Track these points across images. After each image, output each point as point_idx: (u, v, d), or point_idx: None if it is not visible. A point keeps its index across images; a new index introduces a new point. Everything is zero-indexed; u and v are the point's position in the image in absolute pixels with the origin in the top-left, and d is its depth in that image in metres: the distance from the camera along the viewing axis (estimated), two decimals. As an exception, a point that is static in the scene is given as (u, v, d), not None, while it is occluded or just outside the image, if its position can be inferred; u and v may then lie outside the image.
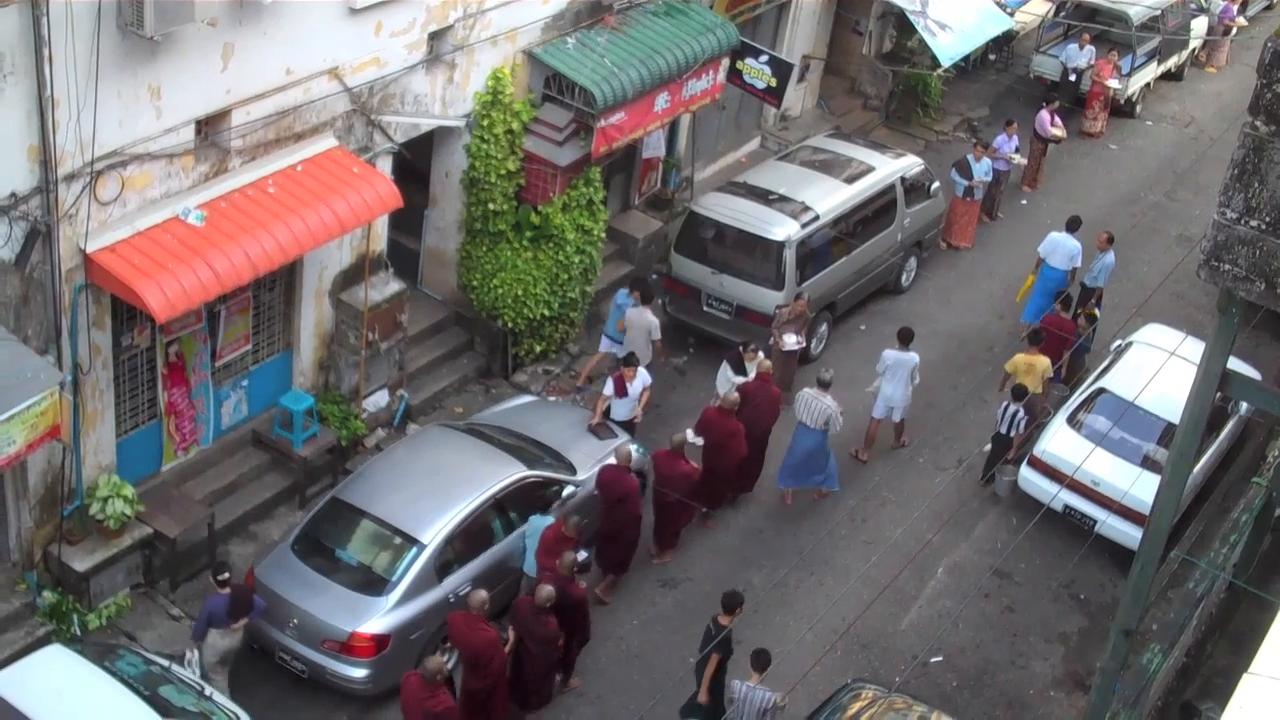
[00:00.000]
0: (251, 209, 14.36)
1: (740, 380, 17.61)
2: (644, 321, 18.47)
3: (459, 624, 13.64)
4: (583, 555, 14.65)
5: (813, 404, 17.25)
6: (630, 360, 17.53)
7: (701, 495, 16.65)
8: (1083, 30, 27.72)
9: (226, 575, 13.77)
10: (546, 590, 13.83)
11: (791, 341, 18.85)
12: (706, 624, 14.39)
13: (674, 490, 16.22)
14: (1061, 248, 21.00)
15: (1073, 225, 21.29)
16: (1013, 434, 17.95)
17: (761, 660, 13.58)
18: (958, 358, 20.90)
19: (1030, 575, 17.35)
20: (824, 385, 17.43)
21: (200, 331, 15.35)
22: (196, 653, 13.85)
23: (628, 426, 17.46)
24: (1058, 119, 25.22)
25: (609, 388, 17.46)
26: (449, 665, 13.53)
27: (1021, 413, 17.80)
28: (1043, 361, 18.31)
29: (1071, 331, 19.33)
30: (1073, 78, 27.26)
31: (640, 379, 17.48)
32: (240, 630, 14.10)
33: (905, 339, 18.63)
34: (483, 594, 13.70)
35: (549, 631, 13.97)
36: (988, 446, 18.57)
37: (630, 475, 15.77)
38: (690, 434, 16.66)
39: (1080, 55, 27.53)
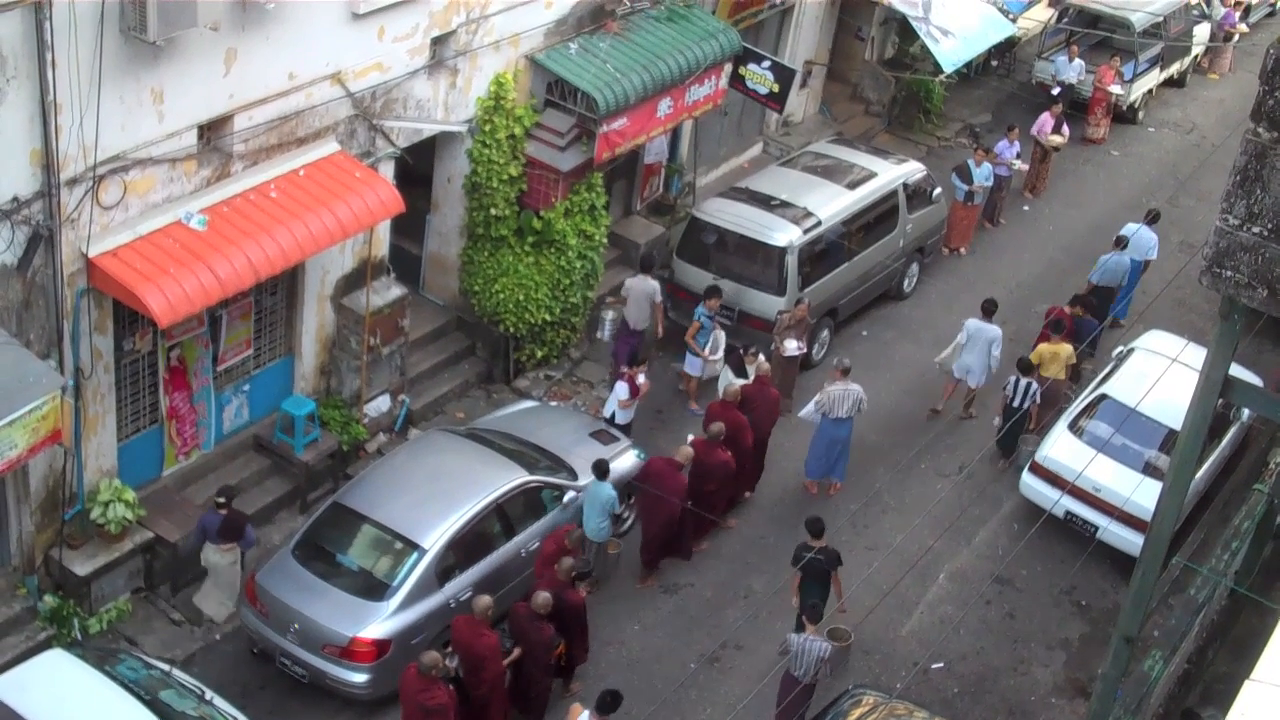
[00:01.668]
0: (253, 213, 14.37)
1: (741, 383, 17.64)
2: (645, 288, 18.84)
3: (462, 628, 13.66)
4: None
5: (844, 395, 17.39)
6: (636, 359, 17.57)
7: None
8: (1071, 42, 27.68)
9: (224, 500, 14.56)
10: (543, 596, 13.87)
11: (793, 347, 18.85)
12: (797, 552, 15.15)
13: (713, 478, 16.42)
14: (1139, 239, 21.55)
15: (1153, 218, 21.91)
16: (1026, 405, 18.28)
17: (816, 613, 14.04)
18: (959, 363, 20.87)
19: (1031, 582, 17.34)
20: (846, 371, 17.60)
21: (202, 336, 15.35)
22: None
23: (626, 431, 17.47)
24: (1064, 126, 25.17)
25: (623, 391, 17.44)
26: (454, 666, 13.53)
27: (1034, 385, 18.19)
28: (1065, 349, 18.78)
29: (1071, 326, 19.48)
30: (1055, 90, 27.01)
31: (642, 378, 17.58)
32: (232, 554, 14.74)
33: (989, 310, 19.23)
34: (487, 599, 13.72)
35: (544, 637, 13.98)
36: (996, 419, 19.03)
37: (681, 475, 15.94)
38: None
39: (1070, 69, 27.33)
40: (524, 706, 14.39)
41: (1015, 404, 18.42)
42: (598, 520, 15.67)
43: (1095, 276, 21.30)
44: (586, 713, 13.14)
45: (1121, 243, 21.31)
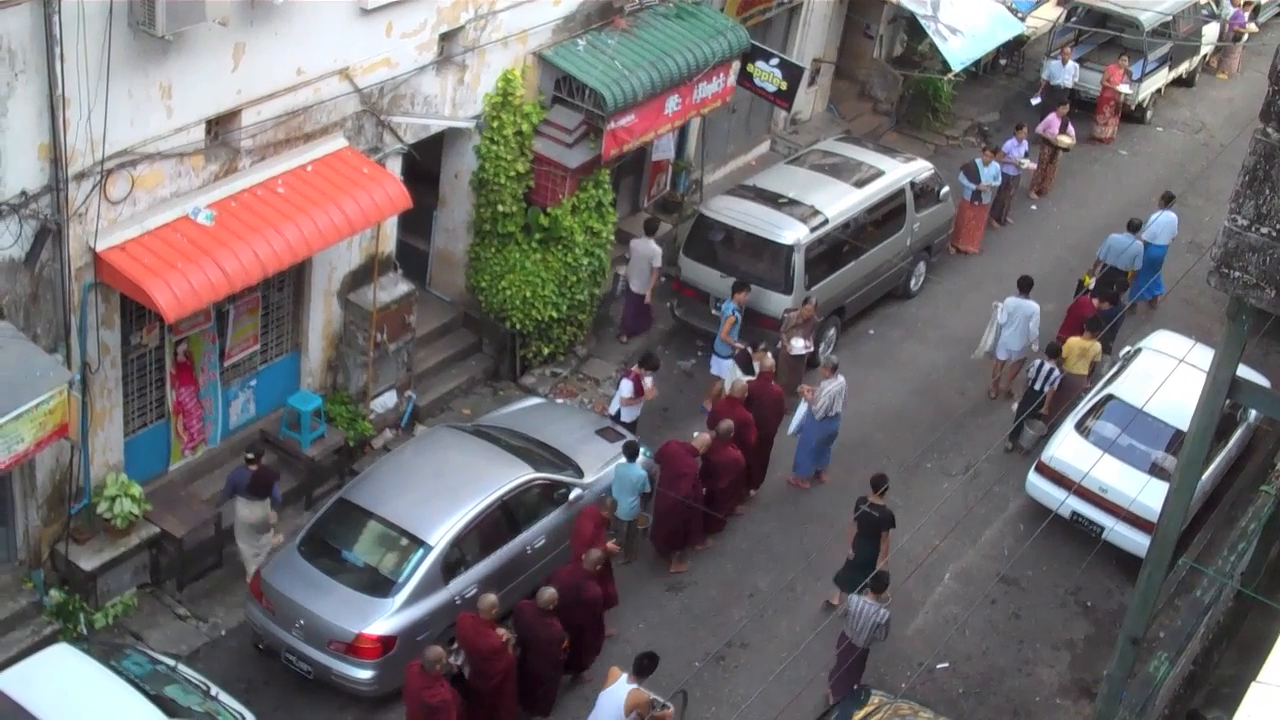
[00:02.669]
0: (261, 209, 14.38)
1: (748, 379, 17.65)
2: (647, 251, 19.26)
3: (467, 626, 13.66)
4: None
5: (839, 392, 17.52)
6: (649, 362, 17.58)
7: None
8: (1064, 46, 27.62)
9: (253, 456, 14.81)
10: (549, 592, 13.91)
11: (799, 346, 18.83)
12: (858, 506, 15.62)
13: (723, 476, 16.49)
14: (1163, 225, 22.04)
15: (1168, 200, 22.34)
16: (1045, 390, 18.56)
17: (880, 582, 14.50)
18: (966, 363, 20.85)
19: (1037, 582, 17.32)
20: (834, 369, 17.74)
21: (209, 331, 15.36)
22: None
23: (631, 429, 17.45)
24: (1070, 126, 25.13)
25: (627, 389, 17.46)
26: (458, 664, 13.54)
27: (1057, 372, 18.53)
28: (1094, 347, 19.05)
29: (1090, 315, 19.76)
30: (1034, 100, 26.84)
31: (648, 381, 17.58)
32: (261, 509, 14.97)
33: (1025, 286, 19.77)
34: (491, 598, 13.71)
35: (553, 633, 14.00)
36: (1014, 405, 19.48)
37: (693, 459, 16.08)
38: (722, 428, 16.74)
39: (1063, 72, 27.10)
40: (529, 704, 14.40)
41: (1035, 387, 18.75)
42: (628, 500, 15.90)
43: (1102, 253, 21.66)
44: (624, 675, 13.40)
45: (1133, 225, 21.65)
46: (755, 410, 17.16)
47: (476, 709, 13.68)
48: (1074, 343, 19.06)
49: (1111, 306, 20.01)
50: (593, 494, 16.00)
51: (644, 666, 13.36)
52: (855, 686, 14.68)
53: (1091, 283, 20.78)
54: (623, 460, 16.03)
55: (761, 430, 17.30)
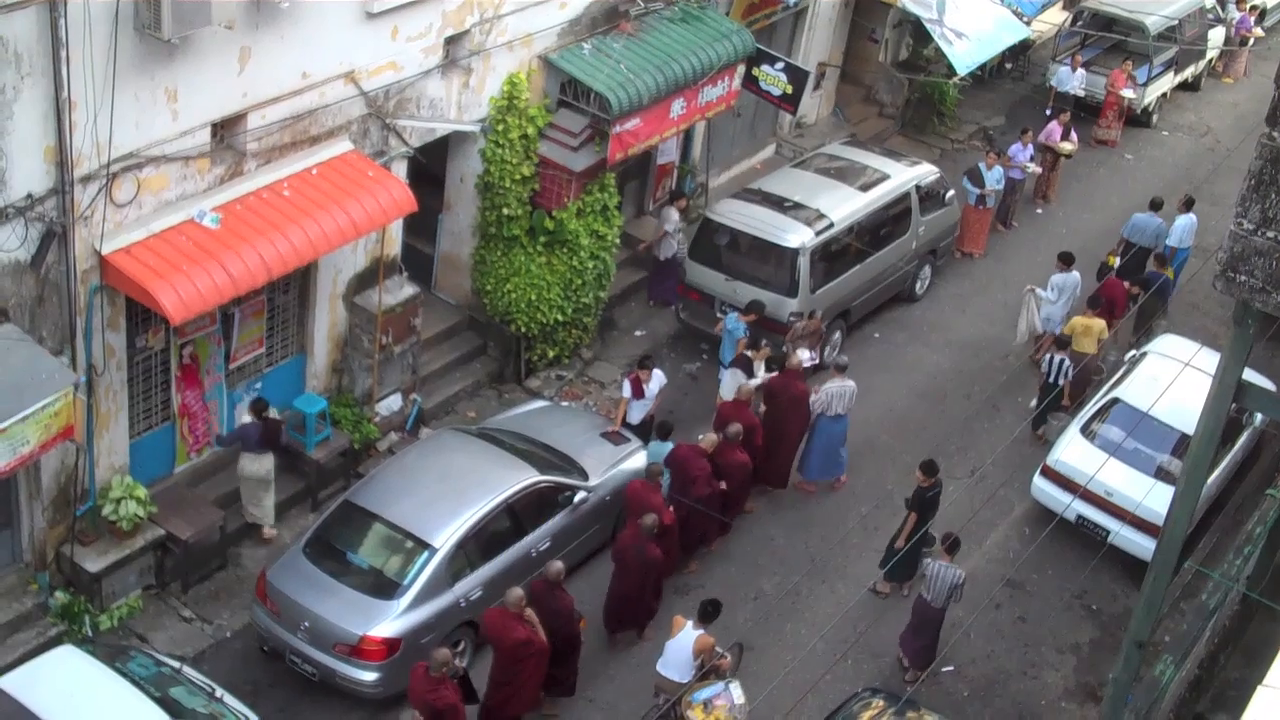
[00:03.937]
0: (266, 212, 14.39)
1: (754, 384, 17.61)
2: (665, 215, 20.35)
3: (494, 620, 13.70)
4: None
5: (841, 392, 17.54)
6: (645, 363, 17.58)
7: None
8: (1075, 52, 27.59)
9: (260, 411, 15.29)
10: (556, 565, 14.11)
11: (806, 357, 18.77)
12: (918, 494, 16.25)
13: (730, 479, 16.49)
14: (1181, 227, 22.42)
15: (1188, 204, 22.67)
16: (1059, 382, 18.77)
17: (954, 544, 15.15)
18: (971, 366, 20.87)
19: (1042, 586, 17.30)
20: (842, 369, 17.81)
21: (214, 334, 15.38)
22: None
23: (642, 429, 17.44)
24: (1073, 133, 25.09)
25: (626, 390, 17.48)
26: (463, 666, 13.52)
27: (1067, 361, 18.73)
28: (1098, 324, 19.25)
29: (1123, 298, 20.08)
30: (1049, 112, 26.84)
31: (656, 380, 17.55)
32: (267, 462, 15.43)
33: (1068, 260, 20.49)
34: (519, 591, 13.69)
35: (564, 605, 14.07)
36: (1033, 402, 19.63)
37: (703, 459, 16.12)
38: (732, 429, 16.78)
39: (1071, 79, 26.98)
40: (550, 685, 14.37)
41: (1050, 380, 18.90)
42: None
43: (1126, 231, 22.08)
44: (689, 622, 13.87)
45: (1156, 204, 22.11)
46: (778, 408, 17.28)
47: (496, 699, 13.75)
48: (1076, 321, 19.24)
49: (1141, 290, 20.10)
50: (598, 497, 16.02)
51: (708, 612, 14.01)
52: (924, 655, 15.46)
53: (1116, 262, 20.90)
54: (655, 440, 16.51)
55: (786, 428, 17.35)
